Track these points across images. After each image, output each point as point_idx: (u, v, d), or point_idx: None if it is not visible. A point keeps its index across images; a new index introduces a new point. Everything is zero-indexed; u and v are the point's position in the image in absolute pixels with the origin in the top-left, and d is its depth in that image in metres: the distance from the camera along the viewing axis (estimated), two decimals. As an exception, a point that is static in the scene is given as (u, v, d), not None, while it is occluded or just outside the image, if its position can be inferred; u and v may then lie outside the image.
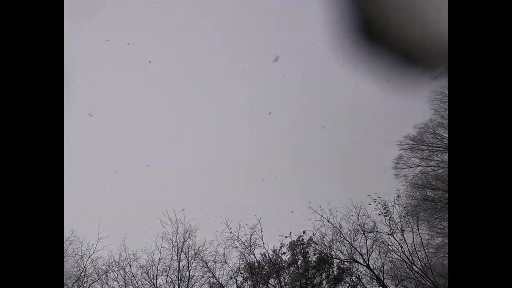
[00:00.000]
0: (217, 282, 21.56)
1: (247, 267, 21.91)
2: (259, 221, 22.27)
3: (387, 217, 23.29)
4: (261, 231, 22.12)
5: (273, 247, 22.39)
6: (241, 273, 22.05)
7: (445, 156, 26.33)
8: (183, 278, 20.90)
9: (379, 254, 22.96)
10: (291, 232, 22.64)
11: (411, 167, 27.32)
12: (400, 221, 23.46)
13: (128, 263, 21.03)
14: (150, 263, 21.11)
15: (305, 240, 22.70)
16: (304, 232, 22.88)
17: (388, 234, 23.14)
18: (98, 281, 20.21)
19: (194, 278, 21.38)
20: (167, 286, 20.71)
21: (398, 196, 24.33)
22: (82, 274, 20.17)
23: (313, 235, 22.88)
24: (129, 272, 20.92)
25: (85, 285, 20.01)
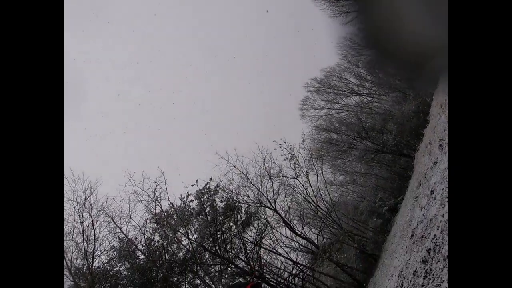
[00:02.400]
0: (125, 237, 20.91)
1: (154, 219, 21.40)
2: (163, 173, 21.36)
3: (293, 162, 23.76)
4: (166, 184, 21.31)
5: (180, 195, 21.86)
6: (147, 227, 21.49)
7: (350, 100, 27.12)
8: (89, 239, 19.93)
9: (285, 197, 23.64)
10: (197, 180, 21.86)
11: (316, 109, 27.89)
12: (305, 164, 24.12)
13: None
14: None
15: (211, 188, 22.37)
16: (210, 179, 22.26)
17: (294, 178, 23.78)
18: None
19: (101, 237, 20.47)
20: (73, 250, 19.58)
21: (303, 141, 24.80)
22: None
23: (220, 181, 22.57)
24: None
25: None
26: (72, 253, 19.60)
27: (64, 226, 19.36)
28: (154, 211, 21.21)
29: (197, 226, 21.93)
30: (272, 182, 23.14)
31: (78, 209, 19.83)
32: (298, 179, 23.75)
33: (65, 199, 19.40)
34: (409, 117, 21.97)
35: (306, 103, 27.67)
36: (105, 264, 20.50)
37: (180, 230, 21.62)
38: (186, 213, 21.93)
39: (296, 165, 23.81)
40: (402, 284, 11.36)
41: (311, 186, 23.88)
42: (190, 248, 21.20)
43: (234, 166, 22.89)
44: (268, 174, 23.24)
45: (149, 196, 21.04)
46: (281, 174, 23.62)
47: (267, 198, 22.83)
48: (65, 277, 19.11)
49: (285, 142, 23.66)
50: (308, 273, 22.17)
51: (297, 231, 23.10)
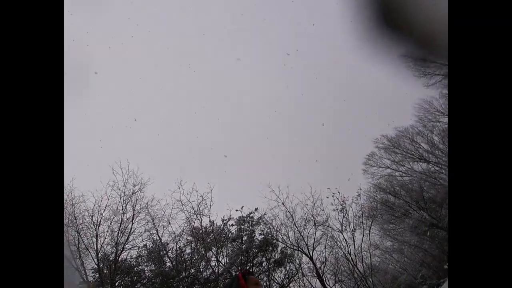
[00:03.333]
0: (159, 240, 21.08)
1: (191, 231, 21.44)
2: (211, 190, 21.45)
3: (342, 214, 23.00)
4: (211, 201, 21.38)
5: (222, 217, 21.87)
6: (182, 237, 21.54)
7: (416, 166, 25.91)
8: (125, 230, 20.23)
9: (325, 248, 22.85)
10: (242, 207, 21.93)
11: (380, 167, 26.88)
12: (354, 220, 23.23)
13: (73, 204, 19.88)
14: (97, 207, 20.10)
15: (254, 218, 22.16)
16: (256, 209, 22.25)
17: (339, 231, 22.95)
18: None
19: (136, 232, 20.72)
20: (106, 236, 19.92)
21: (358, 195, 23.99)
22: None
23: (265, 214, 22.37)
24: (71, 215, 19.63)
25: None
26: (105, 238, 19.96)
27: (104, 212, 19.88)
28: (193, 224, 21.26)
29: (230, 251, 21.74)
30: (315, 229, 22.57)
31: (124, 200, 20.26)
32: (342, 233, 22.88)
33: (114, 188, 20.02)
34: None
35: (372, 159, 26.81)
36: (133, 259, 20.76)
37: (213, 250, 21.45)
38: (224, 235, 21.84)
39: (344, 219, 23.05)
40: None
41: (354, 244, 22.88)
42: (217, 271, 20.92)
43: (283, 203, 22.59)
44: (314, 220, 22.69)
45: (192, 208, 21.19)
46: (327, 224, 22.97)
47: (306, 244, 22.19)
48: (90, 259, 19.47)
49: (339, 192, 23.07)
50: (327, 332, 21.09)
51: (327, 286, 22.15)
